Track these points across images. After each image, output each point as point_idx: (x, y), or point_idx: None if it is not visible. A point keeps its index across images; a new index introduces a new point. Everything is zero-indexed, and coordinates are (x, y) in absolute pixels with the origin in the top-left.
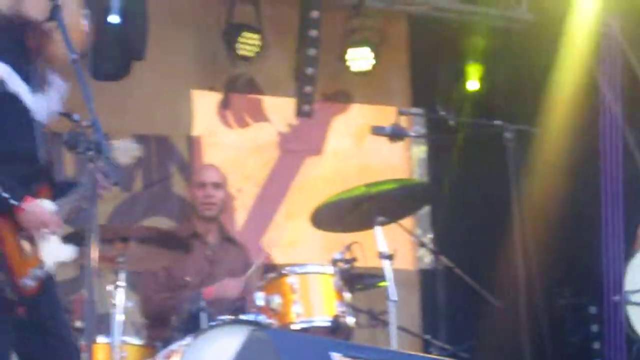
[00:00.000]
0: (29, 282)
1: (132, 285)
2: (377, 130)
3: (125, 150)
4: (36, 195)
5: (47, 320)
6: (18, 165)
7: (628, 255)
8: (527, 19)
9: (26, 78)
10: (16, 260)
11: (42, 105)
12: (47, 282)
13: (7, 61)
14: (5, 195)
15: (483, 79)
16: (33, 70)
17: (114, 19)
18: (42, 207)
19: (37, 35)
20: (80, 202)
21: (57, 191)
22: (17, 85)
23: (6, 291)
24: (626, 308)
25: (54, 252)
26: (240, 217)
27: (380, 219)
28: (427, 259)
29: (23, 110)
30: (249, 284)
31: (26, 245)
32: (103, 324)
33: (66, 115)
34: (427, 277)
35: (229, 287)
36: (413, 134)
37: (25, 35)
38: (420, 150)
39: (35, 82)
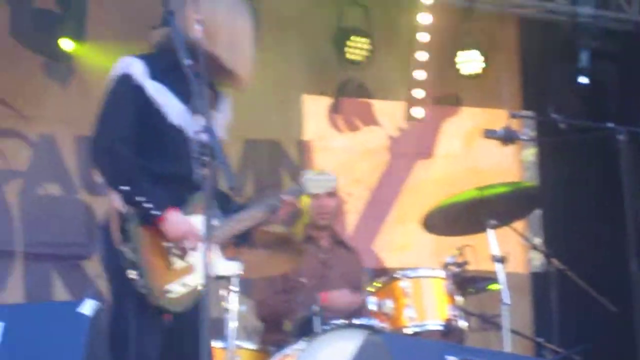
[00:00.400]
0: (174, 289)
1: (246, 289)
2: (490, 134)
3: (319, 182)
4: (190, 211)
5: (190, 333)
6: (170, 185)
7: None
8: (638, 20)
9: (185, 99)
10: (159, 268)
11: (200, 125)
12: (200, 295)
13: (164, 81)
14: (148, 205)
15: (594, 81)
16: (197, 91)
17: None
18: (185, 218)
19: (203, 58)
20: (249, 222)
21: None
22: (168, 104)
23: (148, 296)
24: None
25: (214, 265)
26: (351, 221)
27: (492, 222)
28: (538, 261)
29: (173, 130)
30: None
31: (178, 255)
32: (215, 329)
33: None
34: (538, 280)
35: (346, 299)
36: (525, 137)
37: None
38: (530, 153)
39: (201, 104)
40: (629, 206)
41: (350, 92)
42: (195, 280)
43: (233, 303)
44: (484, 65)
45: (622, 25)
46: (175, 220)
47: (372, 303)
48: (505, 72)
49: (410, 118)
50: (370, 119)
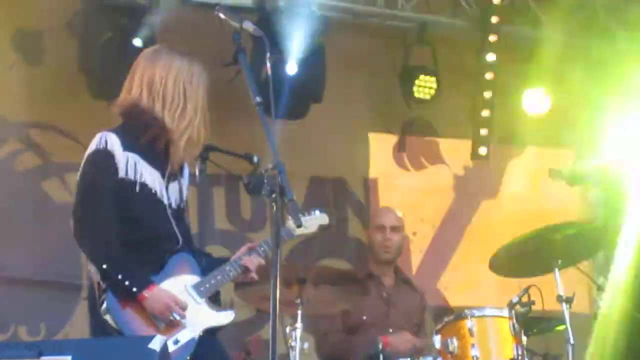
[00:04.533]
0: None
1: (309, 326)
2: (555, 173)
3: (313, 221)
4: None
5: None
6: (152, 248)
7: None
8: None
9: (156, 164)
10: (146, 333)
11: (174, 191)
12: (199, 348)
13: (136, 150)
14: (127, 283)
15: None
16: (167, 159)
17: (291, 70)
18: (166, 292)
19: (158, 136)
20: (229, 277)
21: (206, 264)
22: (142, 171)
23: None
24: None
25: (203, 318)
26: (415, 259)
27: (559, 262)
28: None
29: (149, 196)
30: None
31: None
32: None
33: (246, 157)
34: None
35: (407, 343)
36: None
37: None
38: (595, 193)
39: (170, 171)
40: None
41: (417, 130)
42: (187, 335)
43: (297, 340)
44: (549, 104)
45: None
46: (156, 297)
47: (437, 342)
48: (571, 111)
49: (476, 157)
50: (436, 158)
